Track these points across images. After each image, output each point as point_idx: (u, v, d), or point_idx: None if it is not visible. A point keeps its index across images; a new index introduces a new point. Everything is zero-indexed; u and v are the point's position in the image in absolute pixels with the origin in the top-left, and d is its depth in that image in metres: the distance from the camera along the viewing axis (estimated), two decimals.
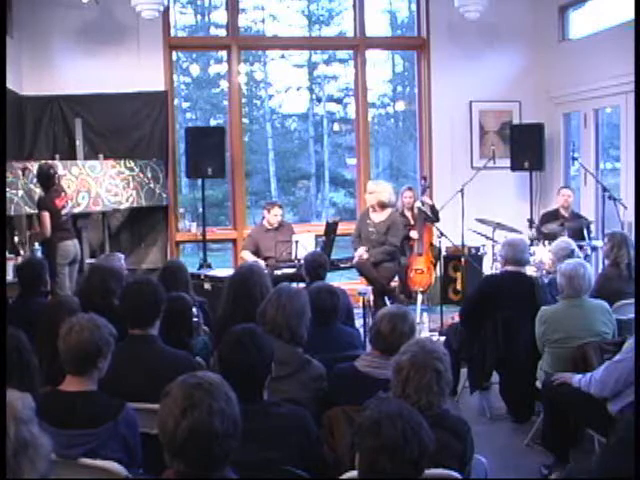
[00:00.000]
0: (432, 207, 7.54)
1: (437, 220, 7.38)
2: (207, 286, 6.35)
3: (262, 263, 6.63)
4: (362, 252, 6.83)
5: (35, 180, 6.70)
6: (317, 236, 7.02)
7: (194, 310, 3.90)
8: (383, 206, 6.97)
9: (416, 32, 9.08)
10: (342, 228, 7.14)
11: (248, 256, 6.92)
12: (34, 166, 6.78)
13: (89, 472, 2.52)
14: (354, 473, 2.30)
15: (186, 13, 13.77)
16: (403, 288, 7.44)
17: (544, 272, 5.89)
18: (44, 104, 7.71)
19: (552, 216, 7.28)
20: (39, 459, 1.80)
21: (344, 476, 2.40)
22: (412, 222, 7.55)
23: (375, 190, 7.01)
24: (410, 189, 7.74)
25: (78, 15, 7.80)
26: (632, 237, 5.20)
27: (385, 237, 6.90)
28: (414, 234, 7.45)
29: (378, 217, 6.98)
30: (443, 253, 7.43)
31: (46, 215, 6.46)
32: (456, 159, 8.76)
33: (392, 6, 13.43)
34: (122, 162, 7.68)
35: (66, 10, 7.75)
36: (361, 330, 5.07)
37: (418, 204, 7.38)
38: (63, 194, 6.72)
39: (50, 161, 7.05)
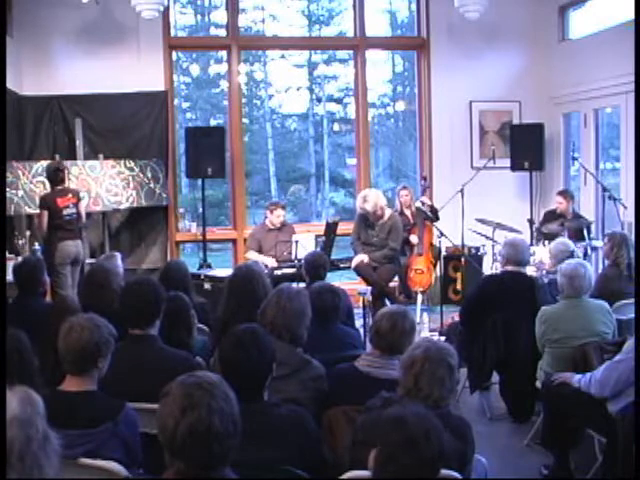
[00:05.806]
0: (431, 207, 7.52)
1: (437, 219, 7.36)
2: (207, 286, 6.35)
3: (269, 262, 6.63)
4: (363, 257, 6.80)
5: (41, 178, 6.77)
6: (317, 236, 7.01)
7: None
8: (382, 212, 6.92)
9: (416, 32, 9.08)
10: (342, 228, 7.13)
11: (254, 256, 6.88)
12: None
13: (89, 472, 2.51)
14: (354, 473, 2.30)
15: (186, 13, 13.76)
16: (403, 288, 7.43)
17: (544, 272, 5.88)
18: (44, 104, 7.70)
19: (554, 215, 7.27)
20: (54, 454, 1.79)
21: (344, 476, 2.40)
22: (411, 220, 7.55)
23: (371, 210, 6.73)
24: (405, 187, 7.77)
25: (78, 15, 7.80)
26: (632, 237, 5.21)
27: (386, 240, 6.85)
28: (414, 239, 7.44)
29: (379, 220, 6.92)
30: (443, 253, 7.43)
31: (44, 214, 6.47)
32: (456, 159, 8.76)
33: (392, 6, 13.42)
34: (122, 162, 7.67)
35: (66, 10, 7.75)
36: (361, 330, 5.07)
37: (418, 204, 7.37)
38: (70, 195, 6.67)
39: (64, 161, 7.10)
